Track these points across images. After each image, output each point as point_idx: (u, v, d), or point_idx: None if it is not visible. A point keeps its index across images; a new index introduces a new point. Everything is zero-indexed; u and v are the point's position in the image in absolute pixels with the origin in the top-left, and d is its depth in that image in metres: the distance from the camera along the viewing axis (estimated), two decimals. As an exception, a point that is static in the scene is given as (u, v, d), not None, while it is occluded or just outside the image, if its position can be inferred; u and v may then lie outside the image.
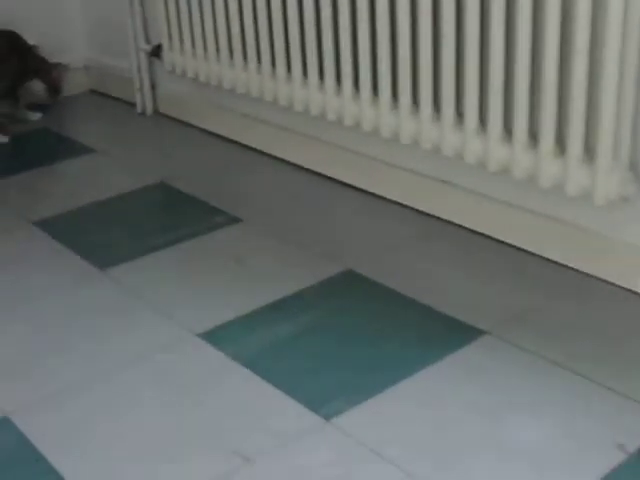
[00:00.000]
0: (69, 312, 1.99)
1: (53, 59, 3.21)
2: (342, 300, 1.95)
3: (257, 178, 2.60)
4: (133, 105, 3.24)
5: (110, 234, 2.33)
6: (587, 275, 1.96)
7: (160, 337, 1.87)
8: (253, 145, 2.76)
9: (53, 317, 1.97)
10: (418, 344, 1.78)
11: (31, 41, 3.16)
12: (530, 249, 2.07)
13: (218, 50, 2.66)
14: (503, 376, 1.67)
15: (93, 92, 3.49)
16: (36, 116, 3.22)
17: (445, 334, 1.81)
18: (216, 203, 2.43)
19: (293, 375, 1.72)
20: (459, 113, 2.04)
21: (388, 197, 2.36)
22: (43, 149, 2.99)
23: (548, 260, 2.03)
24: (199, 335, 1.85)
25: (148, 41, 3.10)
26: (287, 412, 1.62)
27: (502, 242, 2.12)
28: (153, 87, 3.19)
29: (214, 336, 1.84)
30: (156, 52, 3.00)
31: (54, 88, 3.22)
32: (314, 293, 1.98)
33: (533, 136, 1.90)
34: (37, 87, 3.19)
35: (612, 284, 1.91)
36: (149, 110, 3.19)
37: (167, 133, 3.04)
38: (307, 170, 2.58)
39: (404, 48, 2.08)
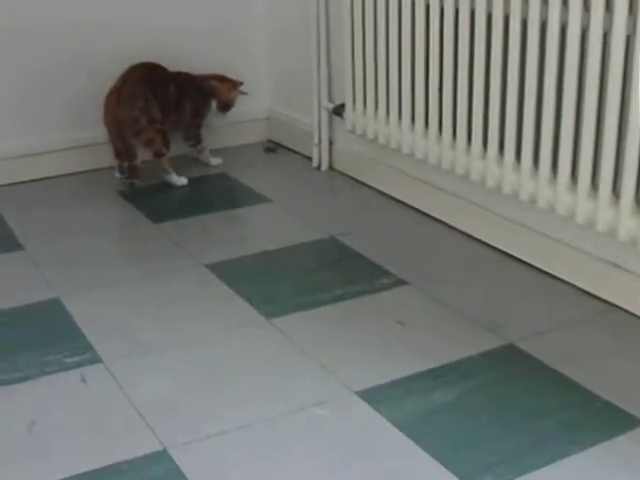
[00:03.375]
0: (233, 357, 2.05)
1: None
2: (501, 374, 1.95)
3: (427, 243, 2.62)
4: (309, 159, 3.32)
5: (278, 284, 2.39)
6: None
7: (318, 391, 1.90)
8: (426, 210, 2.79)
9: (217, 360, 2.03)
10: (574, 427, 1.76)
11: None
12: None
13: (400, 115, 2.71)
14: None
15: (271, 142, 3.59)
16: (217, 161, 3.34)
17: (603, 420, 1.78)
18: (384, 264, 2.46)
19: (446, 443, 1.72)
20: (638, 200, 2.02)
21: (557, 275, 2.34)
22: (220, 194, 3.09)
23: None
24: (357, 393, 1.88)
25: (331, 99, 3.18)
26: (436, 480, 1.63)
27: (671, 333, 2.08)
28: (330, 143, 3.26)
29: (371, 396, 1.87)
30: (338, 111, 3.07)
31: (226, 106, 3.27)
32: (474, 364, 1.98)
33: None
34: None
35: None
36: (324, 165, 3.27)
37: (341, 190, 3.10)
38: (478, 240, 2.58)
39: (588, 132, 2.08)
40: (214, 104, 3.25)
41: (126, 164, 3.08)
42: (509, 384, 1.90)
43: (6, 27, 3.07)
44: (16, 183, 3.17)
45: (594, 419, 1.78)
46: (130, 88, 3.02)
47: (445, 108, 2.51)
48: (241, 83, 3.27)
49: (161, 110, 3.06)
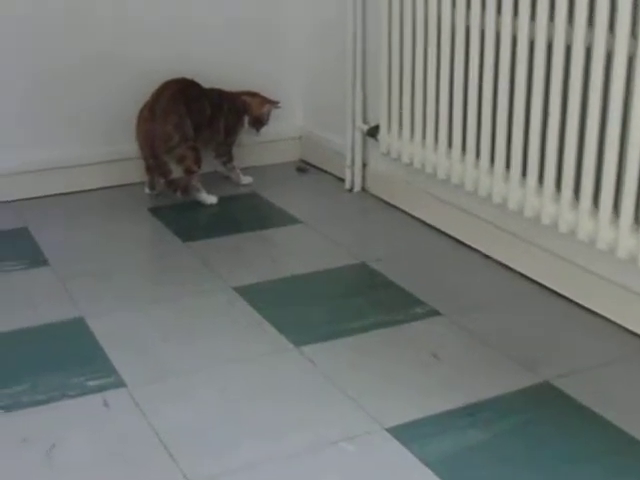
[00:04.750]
0: (260, 386, 1.99)
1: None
2: (537, 414, 1.87)
3: (461, 272, 2.55)
4: (341, 180, 3.27)
5: (308, 310, 2.33)
6: None
7: (348, 425, 1.83)
8: (460, 237, 2.72)
9: (244, 389, 1.98)
10: (614, 474, 1.68)
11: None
12: None
13: (437, 139, 2.65)
14: None
15: (303, 162, 3.54)
16: (247, 180, 3.29)
17: (640, 465, 1.71)
18: (416, 292, 2.40)
19: (479, 485, 1.66)
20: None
21: (597, 311, 2.27)
22: (250, 214, 3.04)
23: None
24: (387, 429, 1.81)
25: (366, 121, 3.12)
26: (469, 525, 1.57)
27: None
28: (364, 165, 3.20)
29: (403, 432, 1.80)
30: (373, 132, 3.01)
31: (258, 121, 3.24)
32: (509, 402, 1.91)
33: None
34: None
35: None
36: (357, 187, 3.21)
37: (373, 213, 3.04)
38: (514, 271, 2.51)
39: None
40: (246, 121, 3.21)
41: (162, 181, 3.03)
42: (546, 425, 1.83)
43: (43, 45, 3.06)
44: (44, 196, 3.14)
45: (636, 466, 1.71)
46: (164, 104, 2.98)
47: (483, 134, 2.45)
48: (277, 102, 3.23)
49: (195, 127, 3.02)
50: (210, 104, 3.11)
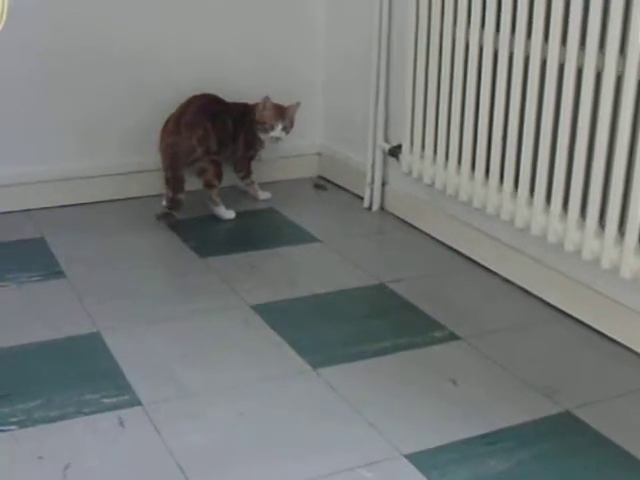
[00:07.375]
0: (277, 409, 1.96)
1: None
2: (558, 444, 1.84)
3: (481, 295, 2.53)
4: (359, 198, 3.25)
5: (325, 331, 2.30)
6: None
7: (365, 451, 1.81)
8: (480, 261, 2.69)
9: (260, 410, 1.95)
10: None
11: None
12: None
13: (460, 162, 2.62)
14: None
15: (321, 179, 3.52)
16: (265, 195, 3.27)
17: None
18: (435, 315, 2.37)
19: (499, 518, 1.63)
20: None
21: (619, 340, 2.24)
22: (268, 230, 3.02)
23: None
24: (406, 456, 1.78)
25: (387, 140, 3.10)
26: None
27: None
28: (383, 184, 3.18)
29: (422, 460, 1.77)
30: (394, 152, 2.99)
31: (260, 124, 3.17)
32: (529, 431, 1.88)
33: None
34: None
35: None
36: (376, 206, 3.19)
37: (391, 233, 3.02)
38: (535, 296, 2.48)
39: None
40: (265, 136, 3.16)
41: (170, 195, 2.99)
42: (567, 457, 1.80)
43: (75, 54, 3.06)
44: (62, 206, 3.12)
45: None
46: (190, 117, 2.98)
47: (508, 157, 2.42)
48: (297, 104, 3.18)
49: (218, 142, 3.01)
50: (232, 120, 3.09)
